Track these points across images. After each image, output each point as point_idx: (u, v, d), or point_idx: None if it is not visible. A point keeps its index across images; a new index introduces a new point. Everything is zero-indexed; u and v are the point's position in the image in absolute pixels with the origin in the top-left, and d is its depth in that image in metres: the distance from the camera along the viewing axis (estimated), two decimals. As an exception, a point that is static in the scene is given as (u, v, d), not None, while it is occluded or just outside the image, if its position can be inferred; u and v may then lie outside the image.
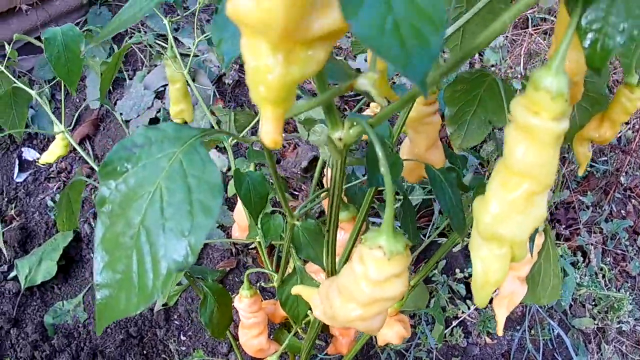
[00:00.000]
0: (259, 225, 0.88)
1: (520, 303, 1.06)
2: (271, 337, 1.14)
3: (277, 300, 0.95)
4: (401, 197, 0.95)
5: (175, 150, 0.46)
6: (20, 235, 1.88)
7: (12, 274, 1.77)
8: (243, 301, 0.99)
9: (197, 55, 2.15)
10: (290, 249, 0.88)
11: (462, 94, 0.87)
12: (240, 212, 1.08)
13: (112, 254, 0.45)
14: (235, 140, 1.03)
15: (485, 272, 0.51)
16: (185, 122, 1.17)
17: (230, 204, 1.85)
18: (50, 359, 1.60)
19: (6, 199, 1.98)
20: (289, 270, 0.95)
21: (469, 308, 1.79)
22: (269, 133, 0.38)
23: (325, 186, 1.10)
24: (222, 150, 1.98)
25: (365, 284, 0.52)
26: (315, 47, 0.35)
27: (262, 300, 1.02)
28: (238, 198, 0.84)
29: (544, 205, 0.48)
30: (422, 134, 0.77)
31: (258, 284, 1.69)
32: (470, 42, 0.81)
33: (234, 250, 1.74)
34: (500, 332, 0.92)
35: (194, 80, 2.12)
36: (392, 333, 0.91)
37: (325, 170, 1.14)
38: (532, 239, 0.77)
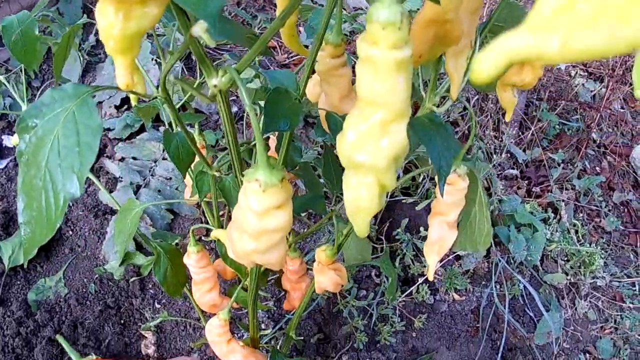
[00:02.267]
0: (194, 182, 0.92)
1: (455, 250, 1.10)
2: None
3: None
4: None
5: (71, 104, 0.55)
6: (3, 219, 1.93)
7: (-5, 256, 1.83)
8: (191, 257, 1.03)
9: (164, 35, 2.19)
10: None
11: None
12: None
13: (29, 195, 0.54)
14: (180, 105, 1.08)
15: (355, 200, 0.56)
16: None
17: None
18: (35, 333, 1.67)
19: (-13, 184, 2.03)
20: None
21: (436, 266, 1.82)
22: (121, 77, 0.49)
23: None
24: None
25: (250, 214, 0.57)
26: (149, 5, 0.45)
27: (210, 257, 1.07)
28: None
29: (401, 133, 0.52)
30: (334, 85, 0.81)
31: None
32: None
33: (203, 219, 1.79)
34: (430, 277, 0.96)
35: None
36: (327, 280, 0.96)
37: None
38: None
